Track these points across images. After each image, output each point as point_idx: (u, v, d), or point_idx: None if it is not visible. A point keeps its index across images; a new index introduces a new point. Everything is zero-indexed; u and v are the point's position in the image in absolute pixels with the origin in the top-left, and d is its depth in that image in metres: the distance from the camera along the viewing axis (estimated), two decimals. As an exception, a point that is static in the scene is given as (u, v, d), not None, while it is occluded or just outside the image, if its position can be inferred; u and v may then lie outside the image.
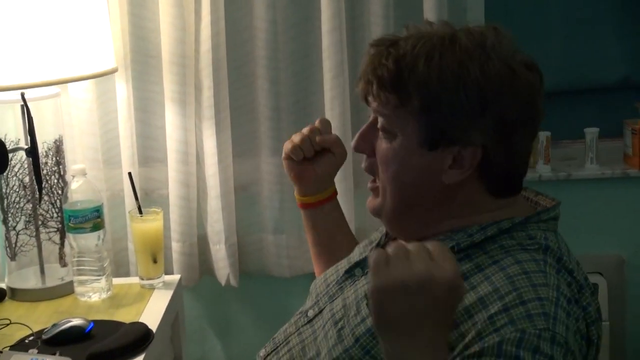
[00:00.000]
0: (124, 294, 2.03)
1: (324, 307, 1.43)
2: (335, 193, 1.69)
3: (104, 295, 2.00)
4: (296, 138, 1.61)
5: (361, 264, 1.43)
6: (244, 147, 2.42)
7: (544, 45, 2.67)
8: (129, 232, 2.33)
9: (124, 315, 1.90)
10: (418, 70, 1.23)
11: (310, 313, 1.47)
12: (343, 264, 1.49)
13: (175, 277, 2.14)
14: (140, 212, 2.04)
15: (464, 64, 1.22)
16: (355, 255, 1.50)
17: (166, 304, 1.96)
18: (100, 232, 1.99)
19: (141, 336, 1.75)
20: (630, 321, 2.61)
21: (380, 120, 1.30)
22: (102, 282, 2.00)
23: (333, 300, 1.43)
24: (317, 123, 1.62)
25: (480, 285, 1.20)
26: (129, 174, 2.10)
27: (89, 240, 1.97)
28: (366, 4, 2.29)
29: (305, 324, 1.45)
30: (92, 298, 2.00)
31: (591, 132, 2.54)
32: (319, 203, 1.67)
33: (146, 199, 2.38)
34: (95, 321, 1.82)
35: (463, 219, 1.30)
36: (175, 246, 2.37)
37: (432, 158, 1.26)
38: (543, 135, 2.51)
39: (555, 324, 1.13)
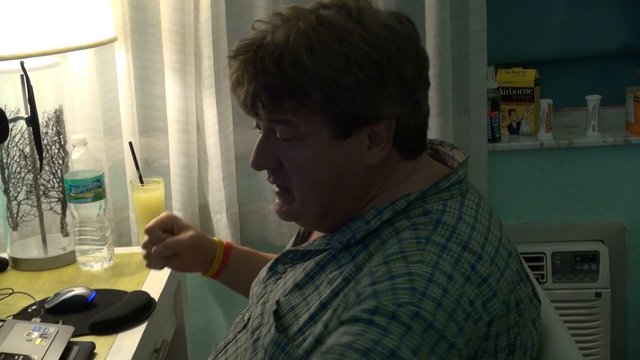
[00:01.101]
0: (126, 263, 2.04)
1: (253, 311, 1.35)
2: (228, 245, 1.59)
3: (106, 265, 2.01)
4: (146, 250, 1.50)
5: (281, 260, 1.34)
6: (244, 116, 2.34)
7: (546, 13, 2.64)
8: (130, 201, 2.33)
9: (126, 284, 1.91)
10: (305, 65, 1.15)
11: (246, 316, 1.39)
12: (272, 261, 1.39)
13: (177, 247, 2.14)
14: (142, 181, 2.04)
15: (346, 41, 1.16)
16: None
17: (168, 273, 1.96)
18: (102, 201, 1.99)
19: (143, 305, 1.76)
20: (631, 288, 2.62)
21: (278, 129, 1.22)
22: (104, 252, 2.00)
23: (258, 302, 1.35)
24: (146, 238, 1.50)
25: (363, 279, 1.14)
26: (130, 143, 2.09)
27: (90, 210, 1.97)
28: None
29: (242, 330, 1.37)
30: (94, 267, 2.00)
31: (593, 99, 2.53)
32: (221, 270, 1.59)
33: (147, 168, 2.38)
34: (97, 290, 1.83)
35: (382, 195, 1.24)
36: (177, 215, 2.36)
37: (348, 146, 1.20)
38: (545, 103, 2.50)
39: (422, 300, 1.05)
